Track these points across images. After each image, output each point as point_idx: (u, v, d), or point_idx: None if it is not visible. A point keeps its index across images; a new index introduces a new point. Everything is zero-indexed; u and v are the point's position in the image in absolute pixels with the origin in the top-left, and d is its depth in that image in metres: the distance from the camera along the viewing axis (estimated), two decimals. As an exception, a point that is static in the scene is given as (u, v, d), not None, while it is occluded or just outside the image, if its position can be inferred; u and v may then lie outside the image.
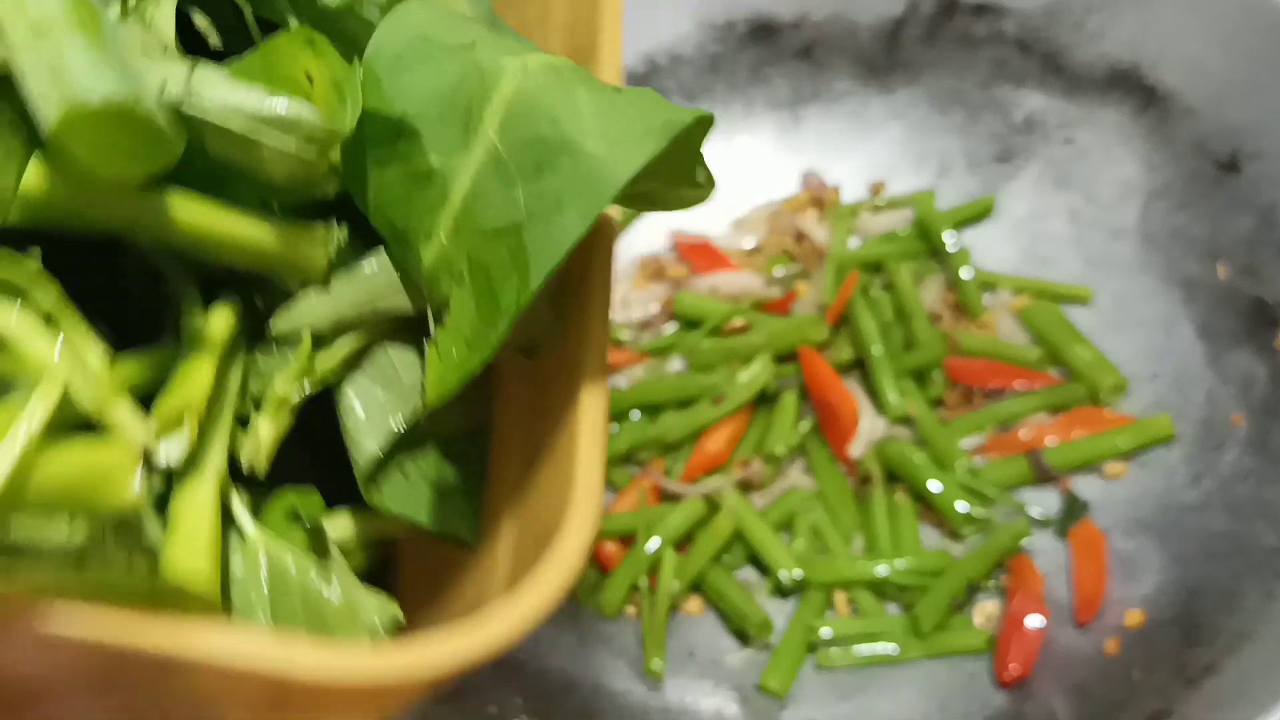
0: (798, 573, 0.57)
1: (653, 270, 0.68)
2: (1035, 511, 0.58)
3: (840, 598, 0.57)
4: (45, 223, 0.27)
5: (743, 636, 0.56)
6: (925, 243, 0.66)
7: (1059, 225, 0.66)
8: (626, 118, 0.27)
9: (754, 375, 0.61)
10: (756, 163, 0.70)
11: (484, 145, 0.28)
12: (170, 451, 0.28)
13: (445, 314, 0.28)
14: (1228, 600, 0.49)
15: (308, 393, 0.32)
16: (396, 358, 0.33)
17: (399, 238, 0.30)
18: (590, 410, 0.29)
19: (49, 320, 0.27)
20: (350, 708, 0.23)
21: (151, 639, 0.20)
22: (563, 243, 0.26)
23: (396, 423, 0.32)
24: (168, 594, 0.22)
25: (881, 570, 0.56)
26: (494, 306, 0.27)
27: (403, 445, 0.33)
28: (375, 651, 0.22)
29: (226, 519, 0.30)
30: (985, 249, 0.66)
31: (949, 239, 0.66)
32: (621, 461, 0.61)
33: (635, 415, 0.62)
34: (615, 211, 0.33)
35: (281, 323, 0.32)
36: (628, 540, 0.58)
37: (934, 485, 0.58)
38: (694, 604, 0.57)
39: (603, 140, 0.27)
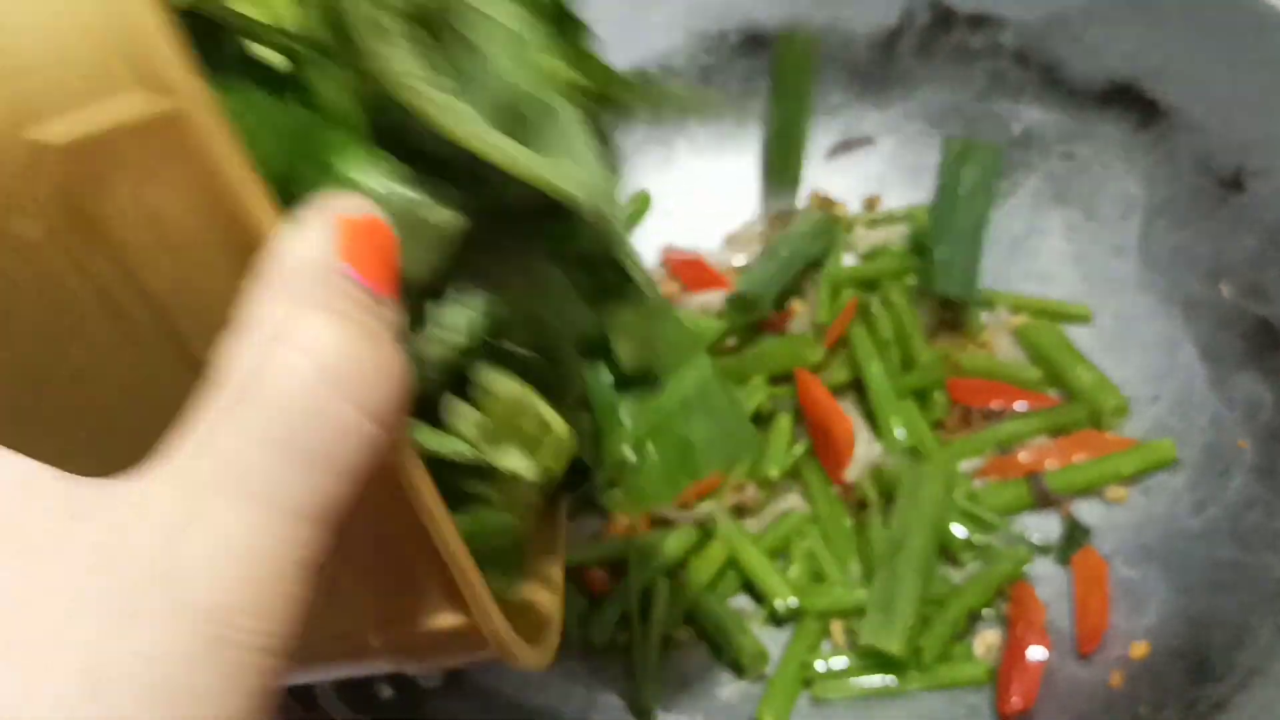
0: (793, 601, 0.55)
1: (643, 287, 0.66)
2: (1036, 537, 0.56)
3: (836, 626, 0.55)
4: None
5: (737, 668, 0.55)
6: (921, 258, 0.65)
7: (1058, 242, 0.65)
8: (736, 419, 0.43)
9: (747, 397, 0.60)
10: (749, 177, 0.68)
11: (675, 402, 0.41)
12: None
13: (627, 469, 0.40)
14: (1237, 634, 0.48)
15: None
16: None
17: (609, 418, 0.41)
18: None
19: None
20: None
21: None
22: (706, 469, 0.41)
23: None
24: None
25: (879, 599, 0.55)
26: (673, 477, 0.41)
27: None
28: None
29: None
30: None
31: (946, 255, 0.64)
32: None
33: (625, 437, 0.61)
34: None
35: None
36: (618, 568, 0.56)
37: (933, 511, 0.56)
38: (686, 634, 0.56)
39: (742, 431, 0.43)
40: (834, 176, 0.68)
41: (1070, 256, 0.64)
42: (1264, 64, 0.58)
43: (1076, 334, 0.62)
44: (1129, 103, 0.63)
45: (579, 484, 0.40)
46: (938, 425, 0.60)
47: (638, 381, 0.41)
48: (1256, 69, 0.58)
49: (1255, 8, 0.59)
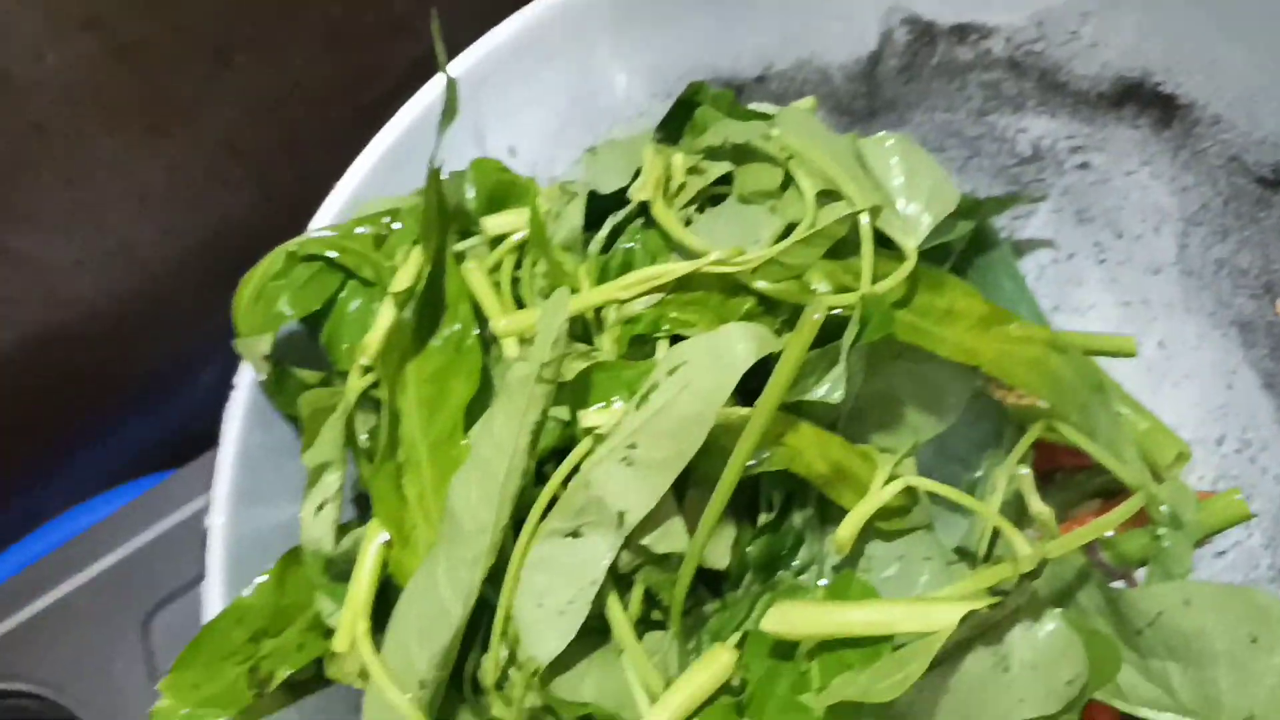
0: None
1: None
2: (1101, 622, 0.50)
3: None
4: None
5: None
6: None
7: (1086, 266, 0.58)
8: None
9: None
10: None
11: None
12: None
13: None
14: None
15: None
16: None
17: None
18: None
19: None
20: None
21: None
22: None
23: None
24: None
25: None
26: None
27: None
28: None
29: None
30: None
31: (964, 299, 0.58)
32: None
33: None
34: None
35: None
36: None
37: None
38: None
39: None
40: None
41: (1102, 281, 0.57)
42: (1286, 43, 0.50)
43: (1118, 369, 0.55)
44: (1143, 101, 0.55)
45: None
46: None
47: None
48: (1275, 50, 0.50)
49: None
